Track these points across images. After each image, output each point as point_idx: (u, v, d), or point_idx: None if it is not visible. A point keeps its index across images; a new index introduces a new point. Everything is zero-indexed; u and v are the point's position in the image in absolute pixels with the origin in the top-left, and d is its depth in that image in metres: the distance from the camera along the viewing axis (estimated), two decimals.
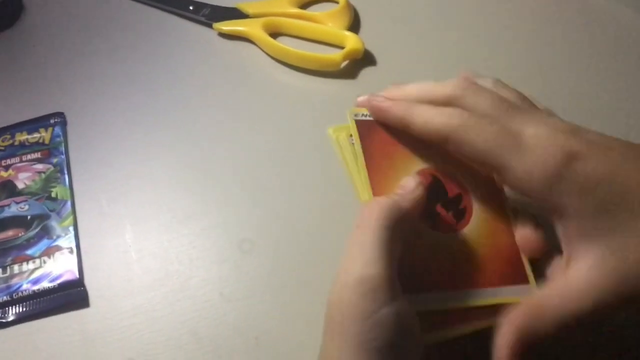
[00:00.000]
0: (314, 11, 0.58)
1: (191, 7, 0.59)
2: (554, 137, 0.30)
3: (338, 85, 0.55)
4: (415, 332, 0.30)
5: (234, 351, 0.42)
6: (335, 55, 0.54)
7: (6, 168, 0.49)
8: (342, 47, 0.55)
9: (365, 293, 0.29)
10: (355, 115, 0.36)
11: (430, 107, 0.33)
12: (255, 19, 0.57)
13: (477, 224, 0.35)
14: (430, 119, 0.33)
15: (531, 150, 0.30)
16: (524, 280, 0.35)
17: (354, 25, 0.58)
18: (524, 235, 0.35)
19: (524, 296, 0.33)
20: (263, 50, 0.57)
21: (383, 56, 0.56)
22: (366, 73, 0.55)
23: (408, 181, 0.34)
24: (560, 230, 0.32)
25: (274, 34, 0.57)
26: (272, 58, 0.56)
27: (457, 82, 0.34)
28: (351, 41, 0.55)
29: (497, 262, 0.34)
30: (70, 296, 0.44)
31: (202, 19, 0.58)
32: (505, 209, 0.36)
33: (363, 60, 0.56)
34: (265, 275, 0.45)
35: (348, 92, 0.54)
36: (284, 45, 0.56)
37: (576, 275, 0.30)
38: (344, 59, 0.55)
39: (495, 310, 0.33)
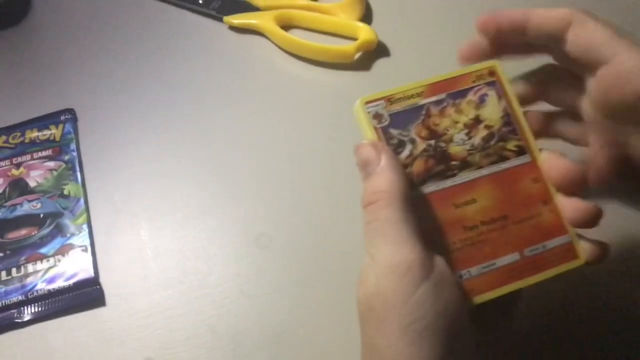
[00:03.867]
0: (326, 3, 0.57)
1: (200, 1, 0.58)
2: None
3: (351, 77, 0.54)
4: (458, 300, 0.30)
5: (255, 348, 0.41)
6: (348, 47, 0.53)
7: (17, 166, 0.48)
8: (354, 39, 0.54)
9: (400, 277, 0.29)
10: (367, 105, 0.34)
11: None
12: (266, 12, 0.56)
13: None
14: (551, 10, 0.35)
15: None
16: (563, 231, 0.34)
17: (367, 16, 0.57)
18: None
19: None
20: (275, 44, 0.56)
21: (397, 47, 0.55)
22: (380, 65, 0.54)
23: (367, 153, 0.32)
24: None
25: (286, 27, 0.56)
26: (284, 51, 0.55)
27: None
28: (364, 32, 0.54)
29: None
30: (85, 295, 0.43)
31: (212, 12, 0.57)
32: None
33: (376, 51, 0.55)
34: (285, 270, 0.44)
35: (361, 84, 0.53)
36: (296, 37, 0.55)
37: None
38: (357, 50, 0.54)
39: (539, 264, 0.33)
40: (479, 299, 0.32)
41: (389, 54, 0.55)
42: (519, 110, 0.35)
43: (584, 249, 0.34)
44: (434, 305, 0.29)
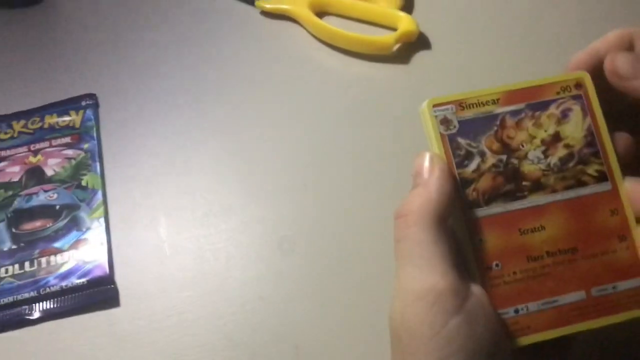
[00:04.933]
0: None
1: None
2: None
3: (390, 70, 0.50)
4: (497, 336, 0.28)
5: (272, 359, 0.39)
6: (387, 37, 0.50)
7: (35, 153, 0.46)
8: (394, 29, 0.51)
9: (429, 306, 0.26)
10: (435, 108, 0.31)
11: None
12: None
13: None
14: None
15: None
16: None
17: (408, 5, 0.53)
18: None
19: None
20: (308, 31, 0.53)
21: (438, 39, 0.52)
22: (420, 57, 0.51)
23: (421, 164, 0.30)
24: None
25: (320, 13, 0.53)
26: (318, 39, 0.52)
27: None
28: (404, 22, 0.51)
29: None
30: (100, 294, 0.41)
31: None
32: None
33: (417, 43, 0.51)
34: (307, 278, 0.41)
35: (400, 78, 0.50)
36: (331, 25, 0.52)
37: None
38: (397, 41, 0.50)
39: (607, 307, 0.30)
40: (532, 338, 0.29)
41: (430, 46, 0.52)
42: (605, 130, 0.31)
43: None
44: (467, 340, 0.26)
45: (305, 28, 0.53)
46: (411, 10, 0.53)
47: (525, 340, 0.29)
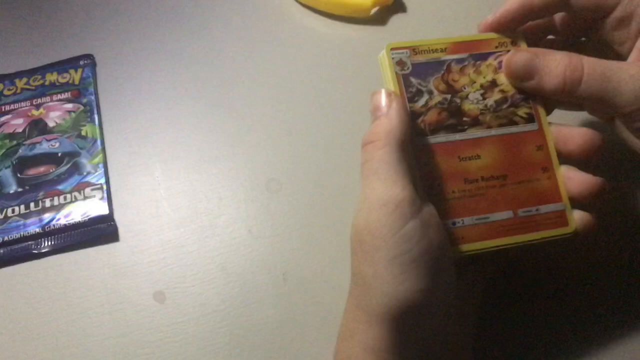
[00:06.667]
0: None
1: None
2: None
3: (368, 31, 0.54)
4: (443, 241, 0.32)
5: (262, 286, 0.42)
6: (365, 1, 0.54)
7: (37, 107, 0.49)
8: None
9: (391, 212, 0.30)
10: (393, 51, 0.35)
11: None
12: None
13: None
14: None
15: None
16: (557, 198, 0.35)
17: None
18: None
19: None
20: None
21: (413, 3, 0.55)
22: (396, 20, 0.55)
23: (379, 99, 0.34)
24: None
25: None
26: (301, 4, 0.56)
27: None
28: None
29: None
30: (100, 230, 0.44)
31: None
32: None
33: (393, 7, 0.55)
34: (293, 214, 0.45)
35: (378, 39, 0.54)
36: None
37: None
38: (374, 5, 0.54)
39: (530, 226, 0.34)
40: (467, 247, 0.33)
41: (405, 9, 0.55)
42: None
43: (575, 220, 0.35)
44: (419, 242, 0.30)
45: None
46: None
47: (460, 248, 0.33)
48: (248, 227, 0.45)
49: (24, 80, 0.51)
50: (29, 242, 0.43)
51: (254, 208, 0.45)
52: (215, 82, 0.51)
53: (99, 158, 0.47)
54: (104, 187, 0.46)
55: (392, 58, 0.35)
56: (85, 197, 0.45)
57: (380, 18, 0.55)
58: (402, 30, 0.54)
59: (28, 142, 0.48)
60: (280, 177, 0.46)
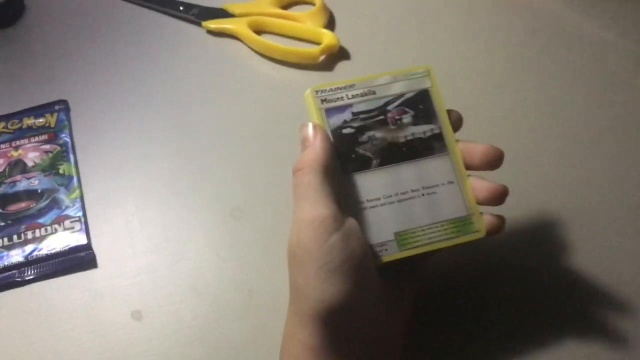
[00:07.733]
0: (294, 11, 0.65)
1: (181, 8, 0.64)
2: None
3: (316, 76, 0.61)
4: (365, 250, 0.36)
5: (230, 302, 0.47)
6: (313, 50, 0.60)
7: (16, 148, 0.54)
8: (319, 43, 0.61)
9: (316, 228, 0.35)
10: (316, 92, 0.41)
11: None
12: (241, 18, 0.63)
13: None
14: None
15: None
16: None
17: (330, 24, 0.64)
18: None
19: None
20: (248, 46, 0.63)
21: (356, 51, 0.63)
22: (341, 66, 0.62)
23: (306, 131, 0.39)
24: None
25: (258, 32, 0.63)
26: (257, 53, 0.62)
27: None
28: (327, 38, 0.61)
29: None
30: (79, 258, 0.48)
31: (192, 17, 0.64)
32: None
33: (338, 54, 0.62)
34: (255, 238, 0.50)
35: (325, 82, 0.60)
36: (268, 40, 0.61)
37: None
38: (322, 53, 0.61)
39: (446, 233, 0.39)
40: (387, 257, 0.38)
41: (349, 57, 0.62)
42: (444, 111, 0.41)
43: (485, 222, 0.39)
44: (342, 252, 0.34)
45: (246, 44, 0.63)
46: (333, 28, 0.64)
47: (380, 258, 0.38)
48: (216, 251, 0.50)
49: (2, 124, 0.55)
50: (13, 271, 0.47)
51: (219, 234, 0.51)
52: (181, 123, 0.57)
53: (76, 193, 0.51)
54: (82, 219, 0.50)
55: (316, 97, 0.40)
56: (64, 229, 0.49)
57: (327, 65, 0.62)
58: (347, 74, 0.61)
59: (8, 180, 0.52)
60: (243, 206, 0.52)
